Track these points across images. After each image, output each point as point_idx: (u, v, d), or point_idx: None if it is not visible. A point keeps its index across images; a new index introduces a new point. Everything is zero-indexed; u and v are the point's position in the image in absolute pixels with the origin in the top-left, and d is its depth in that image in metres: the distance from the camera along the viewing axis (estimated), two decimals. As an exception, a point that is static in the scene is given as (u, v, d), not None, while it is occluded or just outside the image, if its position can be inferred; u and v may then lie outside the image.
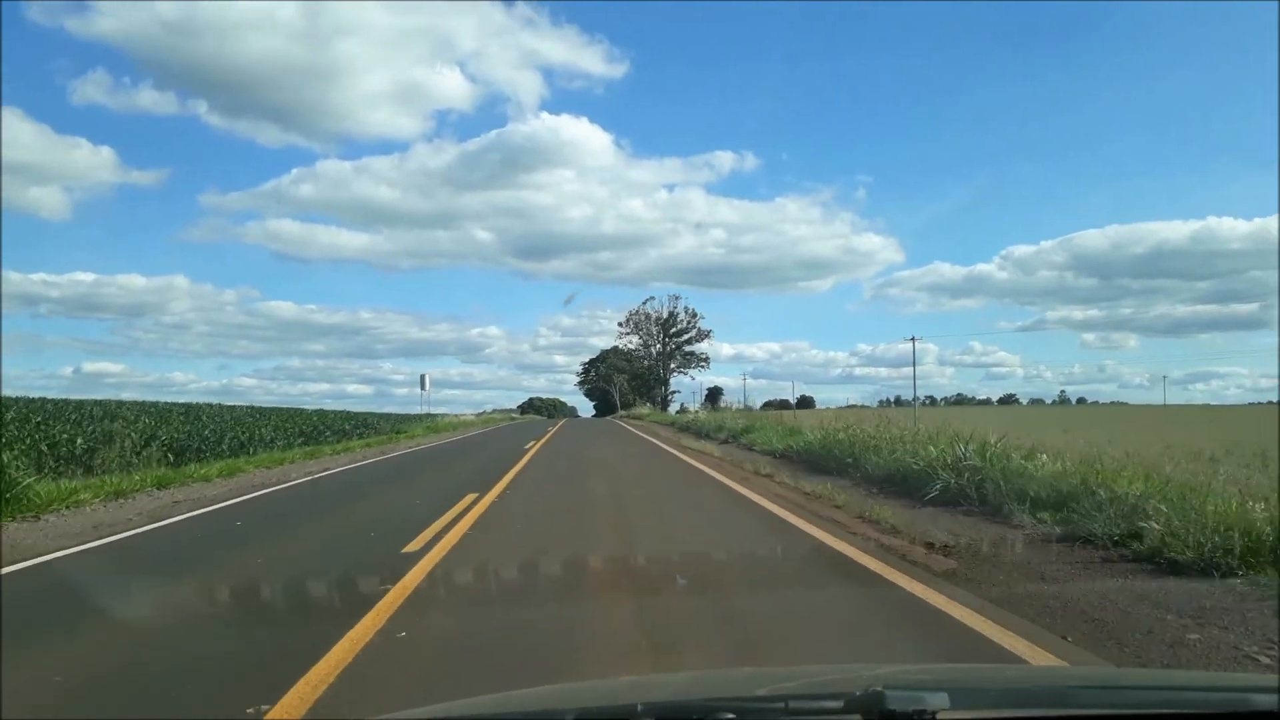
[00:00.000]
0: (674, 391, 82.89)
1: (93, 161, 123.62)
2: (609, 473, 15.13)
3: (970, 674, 2.64)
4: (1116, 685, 1.95)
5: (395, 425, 39.96)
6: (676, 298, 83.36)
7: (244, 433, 26.59)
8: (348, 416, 44.24)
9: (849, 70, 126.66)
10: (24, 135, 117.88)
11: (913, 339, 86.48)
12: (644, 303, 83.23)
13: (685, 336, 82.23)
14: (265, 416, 33.71)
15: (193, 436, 23.17)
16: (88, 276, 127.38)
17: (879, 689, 1.42)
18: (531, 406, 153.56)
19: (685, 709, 1.53)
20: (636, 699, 1.56)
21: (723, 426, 25.73)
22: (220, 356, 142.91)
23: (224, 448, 23.70)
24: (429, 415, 52.81)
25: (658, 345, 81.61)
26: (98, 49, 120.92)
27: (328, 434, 32.81)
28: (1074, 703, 1.62)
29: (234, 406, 44.32)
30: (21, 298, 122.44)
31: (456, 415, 50.21)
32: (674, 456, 18.78)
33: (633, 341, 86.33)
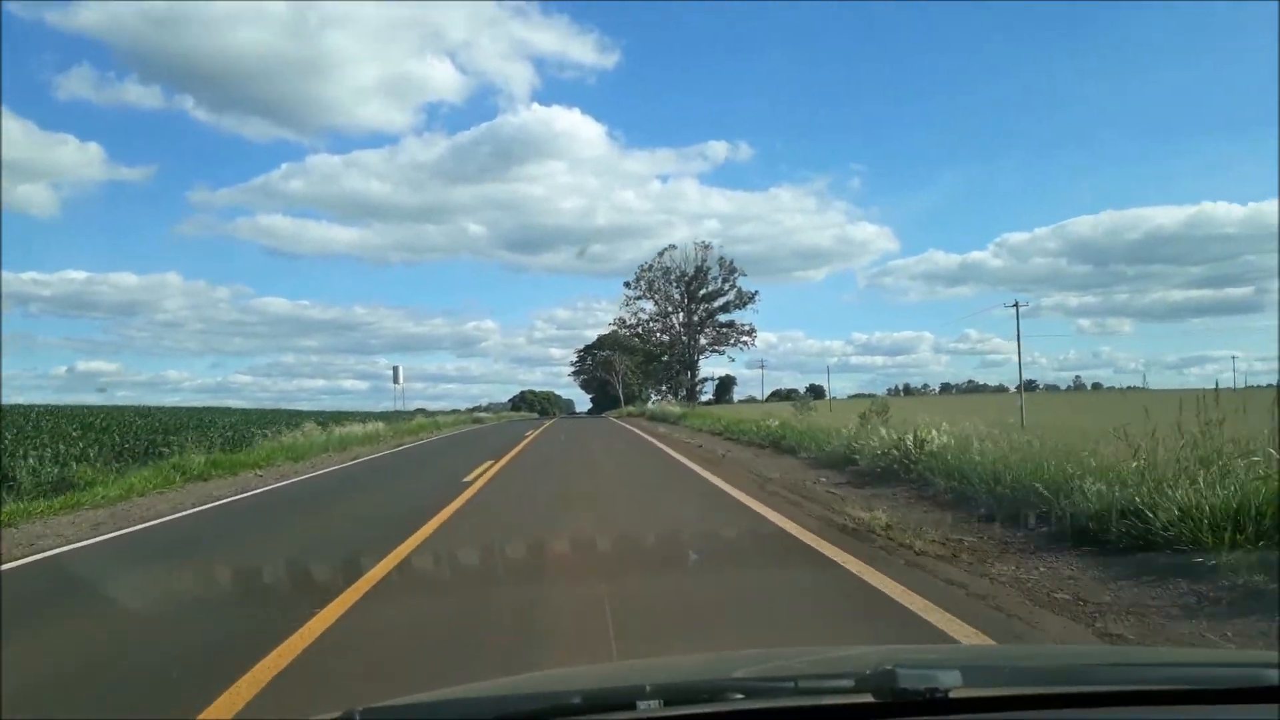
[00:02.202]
0: (702, 379, 62.01)
1: (80, 158, 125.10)
2: None
3: (980, 653, 3.07)
4: (1128, 663, 1.99)
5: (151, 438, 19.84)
6: (706, 246, 59.84)
7: None
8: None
9: (842, 59, 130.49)
10: (9, 131, 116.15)
11: (1015, 304, 66.21)
12: (660, 254, 60.84)
13: (720, 301, 60.30)
14: None
15: None
16: (79, 275, 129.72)
17: (890, 667, 1.39)
18: (524, 401, 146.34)
19: (694, 689, 1.51)
20: (643, 680, 1.50)
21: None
22: (214, 354, 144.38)
23: None
24: (395, 413, 46.42)
25: (680, 314, 61.09)
26: (81, 43, 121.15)
27: None
28: (1087, 680, 1.58)
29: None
30: (13, 297, 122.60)
31: (319, 433, 30.04)
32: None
33: (645, 310, 63.19)
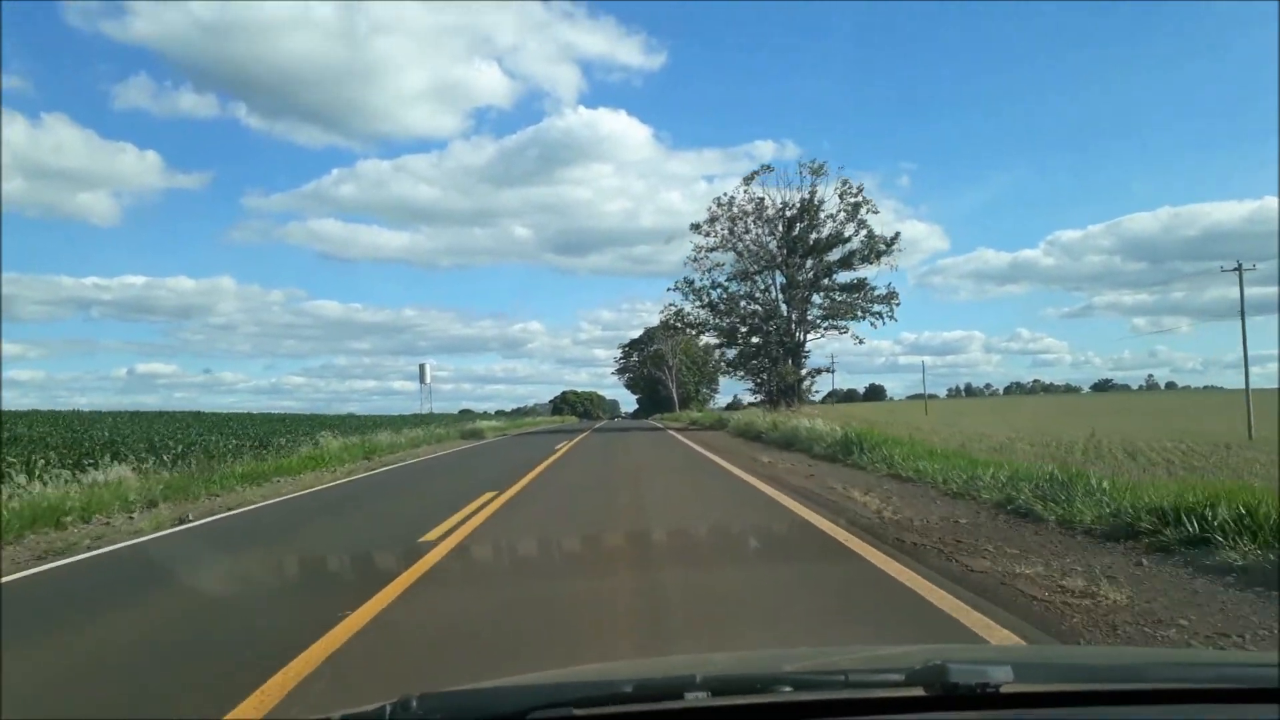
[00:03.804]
0: (813, 372, 39.96)
1: (139, 166, 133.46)
2: None
3: (1029, 652, 3.16)
4: (1176, 662, 1.98)
5: None
6: (817, 168, 37.35)
7: None
8: None
9: (890, 59, 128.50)
10: (70, 141, 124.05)
11: (1239, 267, 45.93)
12: (746, 181, 38.59)
13: (841, 250, 37.80)
14: None
15: None
16: (138, 279, 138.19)
17: (940, 662, 1.37)
18: (565, 402, 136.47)
19: (744, 681, 1.50)
20: (693, 672, 1.47)
21: None
22: (268, 356, 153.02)
23: None
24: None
25: (779, 272, 37.99)
26: (137, 53, 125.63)
27: None
28: (1138, 678, 1.57)
29: None
30: (74, 302, 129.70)
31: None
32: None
33: (721, 268, 39.81)
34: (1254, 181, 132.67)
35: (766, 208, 37.81)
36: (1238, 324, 35.97)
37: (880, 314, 37.32)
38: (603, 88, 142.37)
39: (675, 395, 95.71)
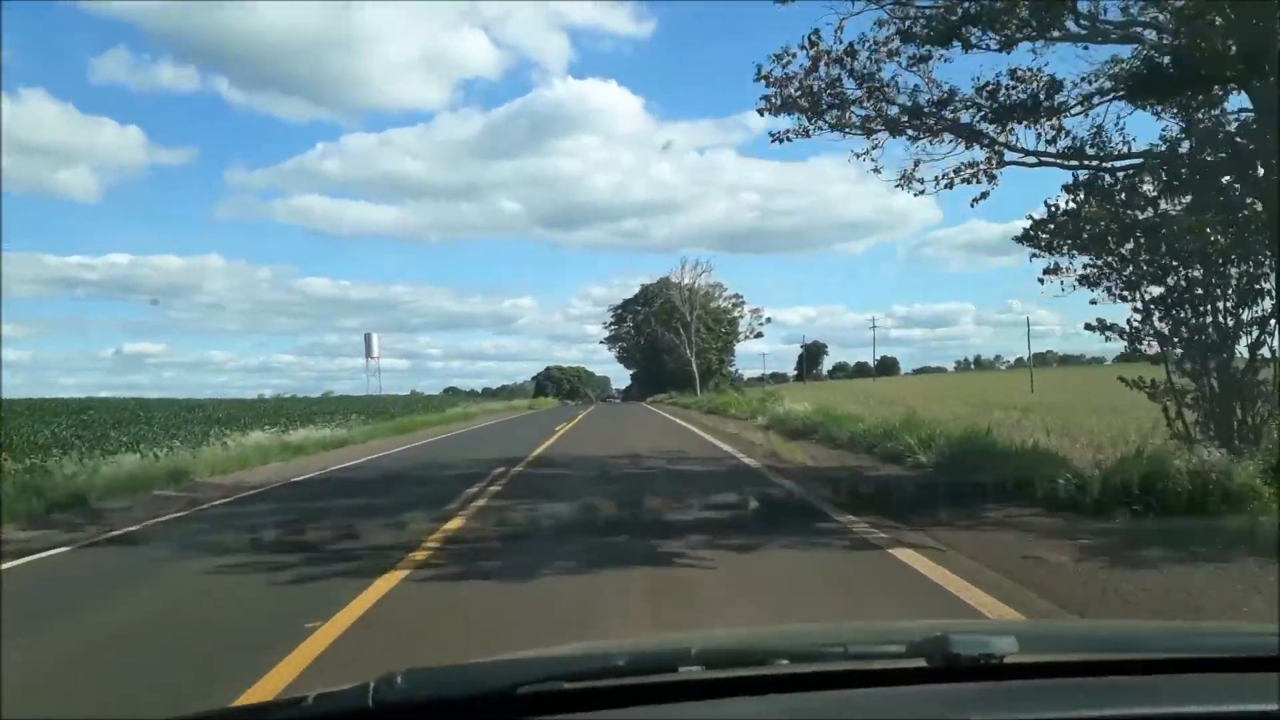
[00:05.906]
0: None
1: (120, 141, 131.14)
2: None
3: (1031, 625, 3.26)
4: (1185, 632, 2.06)
5: None
6: None
7: None
8: None
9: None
10: (49, 115, 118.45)
11: None
12: None
13: None
14: None
15: None
16: (123, 258, 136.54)
17: (941, 634, 1.37)
18: (549, 380, 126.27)
19: (741, 655, 1.51)
20: (689, 646, 1.47)
21: None
22: (258, 334, 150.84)
23: None
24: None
25: None
26: (113, 24, 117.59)
27: None
28: (1143, 647, 1.59)
29: None
30: (61, 281, 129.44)
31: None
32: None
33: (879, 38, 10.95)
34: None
35: None
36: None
37: None
38: (592, 57, 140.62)
39: (695, 368, 69.68)
